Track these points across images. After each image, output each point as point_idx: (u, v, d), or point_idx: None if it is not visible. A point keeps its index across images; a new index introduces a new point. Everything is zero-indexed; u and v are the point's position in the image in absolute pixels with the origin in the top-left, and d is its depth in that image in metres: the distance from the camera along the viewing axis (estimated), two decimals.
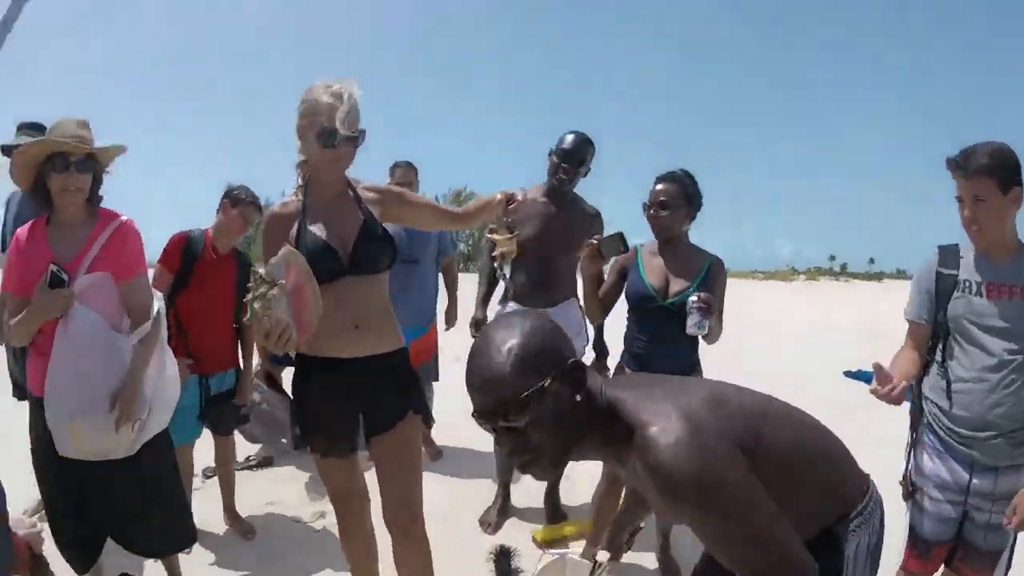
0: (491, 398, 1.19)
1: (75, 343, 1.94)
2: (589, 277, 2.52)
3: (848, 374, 7.52)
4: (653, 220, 2.51)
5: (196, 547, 2.92)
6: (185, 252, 2.82)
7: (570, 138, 2.95)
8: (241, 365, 3.11)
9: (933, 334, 1.96)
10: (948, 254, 1.96)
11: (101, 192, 2.12)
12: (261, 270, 1.68)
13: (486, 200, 2.04)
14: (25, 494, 2.63)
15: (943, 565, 2.03)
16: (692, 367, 2.60)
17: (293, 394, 2.04)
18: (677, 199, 2.49)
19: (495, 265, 2.12)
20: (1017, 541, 1.95)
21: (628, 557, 2.82)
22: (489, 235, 2.03)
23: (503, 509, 3.26)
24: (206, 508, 3.23)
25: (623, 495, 2.43)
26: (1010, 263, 1.85)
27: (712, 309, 2.36)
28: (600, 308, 2.65)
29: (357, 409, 1.98)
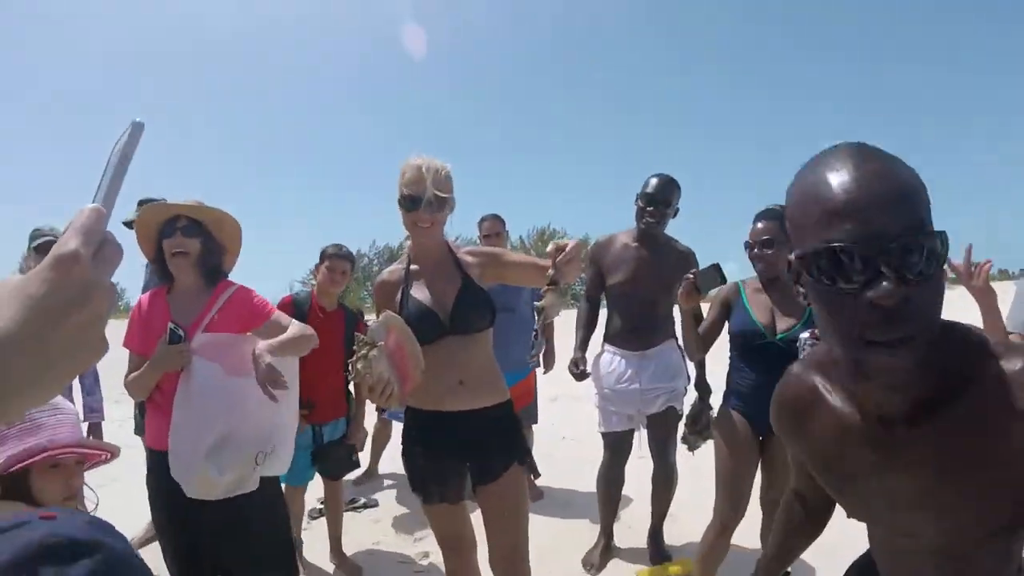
0: (907, 213, 0.79)
1: (196, 392, 2.07)
2: (687, 313, 2.49)
3: None
4: (759, 259, 2.49)
5: None
6: (292, 314, 2.98)
7: (654, 182, 2.96)
8: (352, 412, 3.28)
9: None
10: None
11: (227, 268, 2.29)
12: (361, 335, 1.81)
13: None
14: (131, 526, 2.85)
15: None
16: None
17: (403, 444, 2.14)
18: (781, 235, 2.45)
19: (535, 318, 2.03)
20: None
21: None
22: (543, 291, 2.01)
23: (606, 549, 3.24)
24: (313, 548, 3.40)
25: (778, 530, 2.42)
26: None
27: None
28: (701, 344, 2.60)
29: (464, 460, 2.06)
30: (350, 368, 1.80)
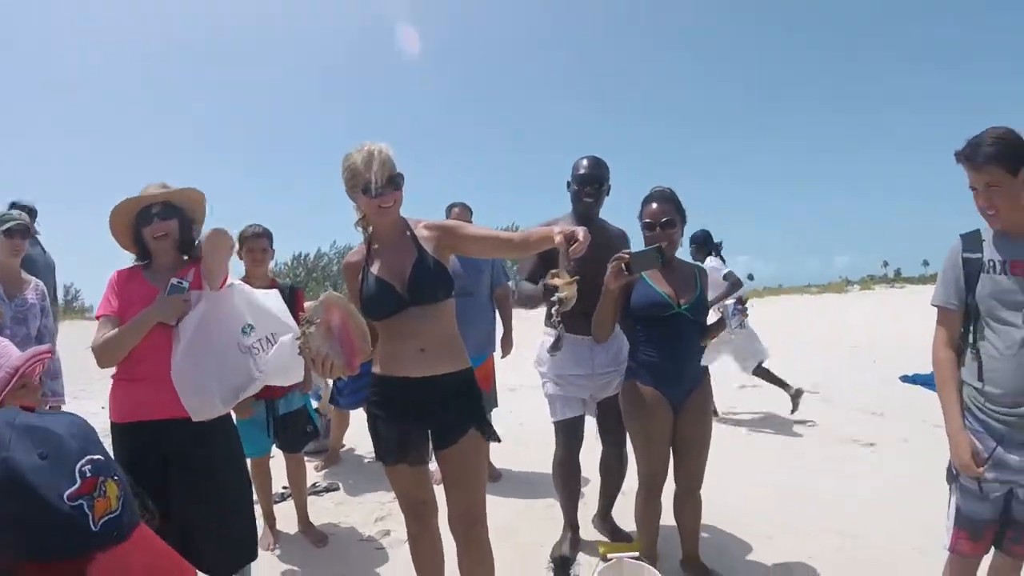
0: None
1: (197, 335, 2.20)
2: (610, 294, 2.51)
3: (905, 378, 7.44)
4: (663, 239, 2.60)
5: (271, 558, 3.19)
6: None
7: (584, 163, 3.01)
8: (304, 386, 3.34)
9: (964, 319, 2.00)
10: (970, 239, 2.00)
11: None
12: (303, 313, 1.96)
13: (545, 232, 2.03)
14: None
15: (994, 547, 2.05)
16: (704, 372, 2.72)
17: (367, 411, 2.25)
18: (676, 215, 2.65)
19: (552, 311, 2.11)
20: None
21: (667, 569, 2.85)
22: (550, 281, 2.06)
23: (574, 542, 3.22)
24: (281, 524, 3.49)
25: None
26: None
27: (747, 309, 2.60)
28: (612, 326, 2.67)
29: (425, 423, 2.16)
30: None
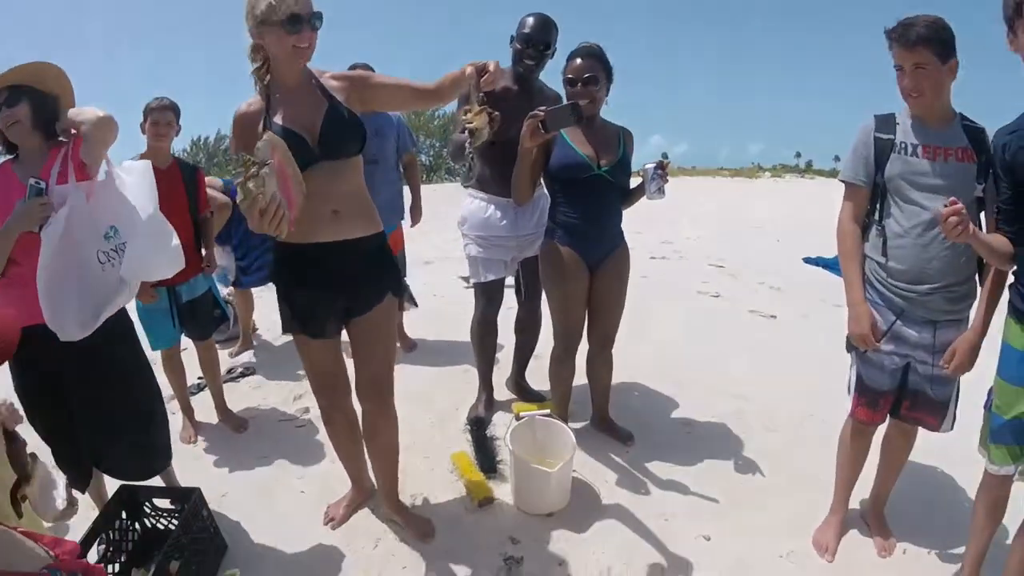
0: None
1: (58, 245, 1.97)
2: (527, 152, 2.42)
3: (807, 260, 7.79)
4: (584, 95, 2.51)
5: (193, 450, 3.16)
6: None
7: (531, 21, 2.80)
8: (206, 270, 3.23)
9: (871, 197, 2.04)
10: (884, 121, 2.02)
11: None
12: (247, 155, 1.68)
13: (456, 74, 1.90)
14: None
15: (889, 416, 2.19)
16: (621, 235, 2.74)
17: (276, 282, 2.13)
18: (600, 72, 2.54)
19: (466, 144, 1.93)
20: (961, 393, 2.09)
21: (578, 428, 3.01)
22: (462, 117, 1.91)
23: (489, 402, 3.32)
24: (199, 414, 3.43)
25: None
26: (946, 128, 1.93)
27: (667, 175, 2.55)
28: (531, 188, 2.64)
29: (337, 292, 2.05)
30: (239, 190, 1.67)
